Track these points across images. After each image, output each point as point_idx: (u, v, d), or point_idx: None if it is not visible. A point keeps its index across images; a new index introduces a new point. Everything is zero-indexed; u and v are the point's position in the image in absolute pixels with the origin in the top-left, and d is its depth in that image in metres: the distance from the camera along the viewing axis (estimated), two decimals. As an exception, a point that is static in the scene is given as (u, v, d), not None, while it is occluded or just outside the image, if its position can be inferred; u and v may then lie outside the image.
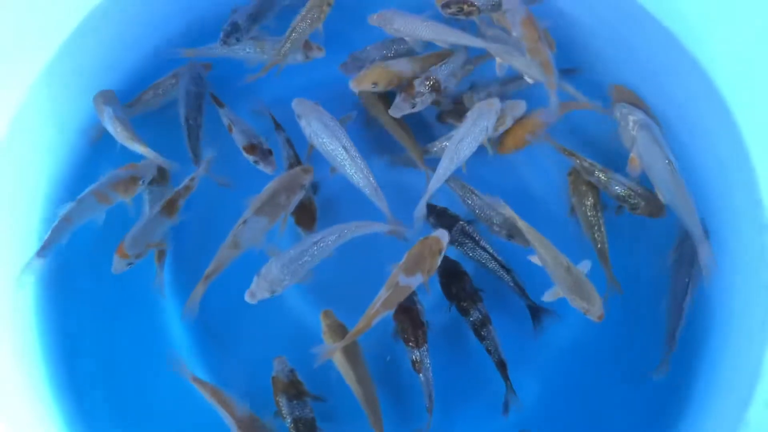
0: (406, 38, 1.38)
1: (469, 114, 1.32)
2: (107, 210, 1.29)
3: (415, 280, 1.18)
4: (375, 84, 1.32)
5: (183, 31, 1.46)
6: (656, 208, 1.30)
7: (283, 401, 1.21)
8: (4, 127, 1.33)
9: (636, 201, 1.30)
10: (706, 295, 1.33)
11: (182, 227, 1.33)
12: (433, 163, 1.35)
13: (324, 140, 1.30)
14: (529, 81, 1.34)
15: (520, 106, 1.35)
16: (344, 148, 1.29)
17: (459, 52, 1.37)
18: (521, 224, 1.24)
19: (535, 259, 1.23)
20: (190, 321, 1.29)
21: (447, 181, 1.32)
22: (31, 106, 1.35)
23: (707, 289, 1.32)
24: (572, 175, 1.37)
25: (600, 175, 1.32)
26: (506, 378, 1.23)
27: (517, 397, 1.24)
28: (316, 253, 1.22)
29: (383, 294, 1.17)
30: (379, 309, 1.16)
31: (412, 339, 1.22)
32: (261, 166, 1.32)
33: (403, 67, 1.34)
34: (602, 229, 1.33)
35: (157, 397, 1.31)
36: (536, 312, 1.27)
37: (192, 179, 1.30)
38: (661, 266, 1.33)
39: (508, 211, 1.26)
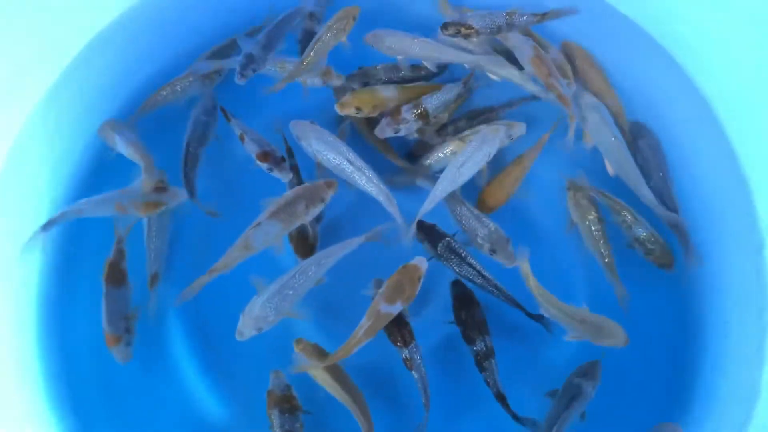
0: (398, 57, 1.39)
1: (473, 138, 1.33)
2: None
3: (396, 308, 1.19)
4: (359, 109, 1.33)
5: (189, 52, 1.47)
6: (668, 260, 1.34)
7: (275, 415, 1.22)
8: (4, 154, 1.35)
9: (653, 247, 1.33)
10: (702, 317, 1.35)
11: (179, 249, 1.36)
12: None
13: (328, 156, 1.31)
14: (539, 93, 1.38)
15: (519, 128, 1.37)
16: (348, 161, 1.30)
17: (453, 86, 1.37)
18: (533, 284, 1.25)
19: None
20: (189, 320, 1.32)
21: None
22: (30, 135, 1.36)
23: (703, 311, 1.34)
24: (571, 190, 1.38)
25: (626, 216, 1.34)
26: (508, 408, 1.23)
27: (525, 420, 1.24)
28: (297, 285, 1.22)
29: (365, 323, 1.18)
30: (361, 338, 1.18)
31: (399, 339, 1.24)
32: (275, 174, 1.31)
33: (390, 94, 1.35)
34: (607, 242, 1.34)
35: (157, 402, 1.32)
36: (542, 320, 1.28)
37: (119, 242, 1.30)
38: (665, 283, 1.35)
39: (526, 268, 1.26)
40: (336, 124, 1.43)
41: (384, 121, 1.34)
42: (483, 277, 1.27)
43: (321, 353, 1.23)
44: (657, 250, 1.34)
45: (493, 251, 1.28)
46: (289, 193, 1.26)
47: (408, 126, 1.34)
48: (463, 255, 1.28)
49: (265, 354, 1.28)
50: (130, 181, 1.33)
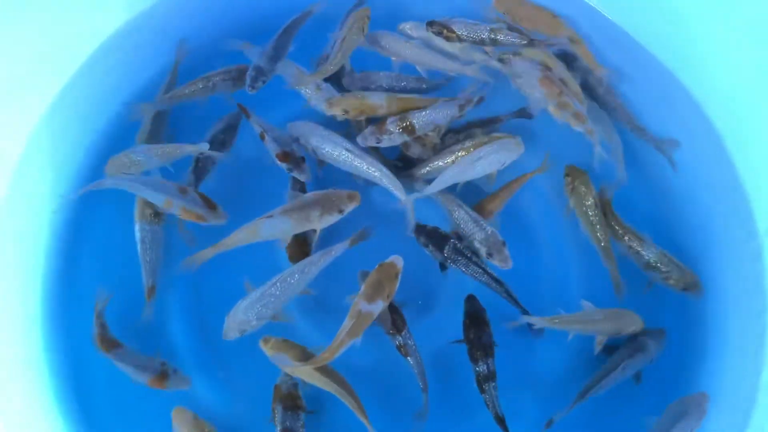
0: (392, 58, 1.42)
1: (495, 142, 1.34)
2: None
3: (377, 306, 1.20)
4: (345, 112, 1.34)
5: (196, 56, 1.48)
6: (691, 281, 1.32)
7: (278, 409, 1.24)
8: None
9: (668, 269, 1.31)
10: (701, 323, 1.34)
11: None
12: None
13: (327, 150, 1.32)
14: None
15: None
16: (347, 149, 1.31)
17: (446, 107, 1.36)
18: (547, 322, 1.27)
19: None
20: (190, 315, 1.35)
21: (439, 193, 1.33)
22: (40, 137, 1.38)
23: (702, 315, 1.34)
24: (570, 176, 1.38)
25: (631, 241, 1.33)
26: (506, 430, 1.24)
27: None
28: (278, 293, 1.23)
29: (347, 324, 1.19)
30: (344, 339, 1.18)
31: (392, 326, 1.25)
32: (295, 174, 1.32)
33: (378, 101, 1.35)
34: (604, 228, 1.34)
35: (162, 399, 1.31)
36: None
37: (98, 316, 1.29)
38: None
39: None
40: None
41: (368, 130, 1.34)
42: (489, 275, 1.28)
43: (292, 347, 1.23)
44: (674, 271, 1.31)
45: (489, 255, 1.29)
46: (309, 195, 1.27)
47: (392, 138, 1.34)
48: (469, 256, 1.29)
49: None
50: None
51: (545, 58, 1.38)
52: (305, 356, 1.21)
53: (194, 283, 1.37)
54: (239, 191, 1.42)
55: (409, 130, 1.34)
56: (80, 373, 1.34)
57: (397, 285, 1.22)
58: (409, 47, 1.40)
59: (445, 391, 1.32)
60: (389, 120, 1.34)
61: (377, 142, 1.34)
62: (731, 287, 1.33)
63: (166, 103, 1.41)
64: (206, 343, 1.36)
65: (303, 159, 1.32)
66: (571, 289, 1.38)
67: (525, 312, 1.27)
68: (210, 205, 1.31)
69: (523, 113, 1.40)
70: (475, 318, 1.28)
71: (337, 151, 1.32)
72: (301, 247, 1.32)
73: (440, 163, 1.37)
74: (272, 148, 1.31)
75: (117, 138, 1.41)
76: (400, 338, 1.25)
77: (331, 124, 1.37)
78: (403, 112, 1.34)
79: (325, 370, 1.20)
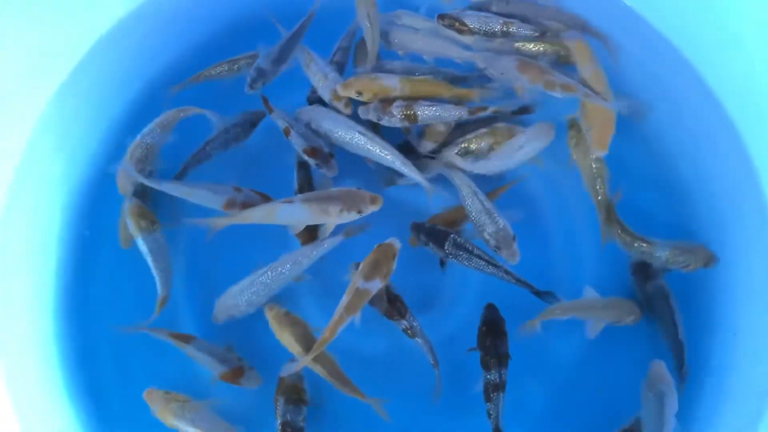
0: (399, 52, 1.43)
1: (529, 130, 1.34)
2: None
3: (374, 285, 1.20)
4: (359, 93, 1.33)
5: (199, 48, 1.49)
6: (706, 257, 1.30)
7: (280, 401, 1.23)
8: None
9: (685, 259, 1.30)
10: (713, 313, 1.33)
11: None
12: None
13: (339, 133, 1.32)
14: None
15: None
16: (360, 132, 1.31)
17: (456, 109, 1.34)
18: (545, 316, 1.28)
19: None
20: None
21: (454, 176, 1.32)
22: (43, 131, 1.39)
23: (714, 308, 1.33)
24: (574, 128, 1.37)
25: (642, 245, 1.32)
26: None
27: None
28: (269, 281, 1.26)
29: (344, 300, 1.20)
30: (343, 315, 1.19)
31: (395, 312, 1.26)
32: (323, 170, 1.32)
33: (392, 84, 1.35)
34: (605, 181, 1.34)
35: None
36: (541, 295, 1.29)
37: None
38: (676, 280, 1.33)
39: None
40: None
41: (372, 106, 1.34)
42: (494, 266, 1.27)
43: (294, 321, 1.24)
44: (691, 259, 1.30)
45: (498, 248, 1.28)
46: (333, 190, 1.27)
47: (391, 120, 1.34)
48: (470, 248, 1.28)
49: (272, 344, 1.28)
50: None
51: (560, 49, 1.39)
52: (306, 334, 1.22)
53: (206, 279, 1.38)
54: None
55: (411, 118, 1.34)
56: (90, 360, 1.34)
57: (394, 266, 1.22)
58: (420, 39, 1.41)
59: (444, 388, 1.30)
60: (395, 105, 1.33)
61: (377, 120, 1.34)
62: (744, 279, 1.31)
63: (190, 84, 1.43)
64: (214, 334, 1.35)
65: (331, 155, 1.32)
66: (581, 279, 1.37)
67: (538, 293, 1.27)
68: (267, 199, 1.32)
69: (523, 110, 1.38)
70: (493, 326, 1.27)
71: (349, 135, 1.32)
72: (312, 235, 1.32)
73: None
74: (299, 144, 1.31)
75: (128, 124, 1.42)
76: (405, 322, 1.26)
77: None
78: (416, 96, 1.34)
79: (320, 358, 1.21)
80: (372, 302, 1.24)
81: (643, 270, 1.33)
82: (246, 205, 1.29)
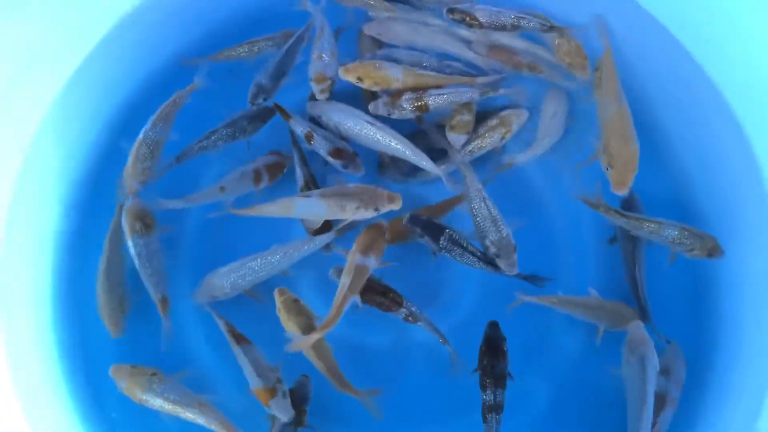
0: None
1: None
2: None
3: (370, 261, 1.22)
4: (360, 79, 1.33)
5: (206, 40, 1.48)
6: (712, 246, 1.30)
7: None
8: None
9: (691, 242, 1.30)
10: (716, 308, 1.34)
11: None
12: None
13: (349, 125, 1.31)
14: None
15: (523, 115, 1.39)
16: (369, 122, 1.31)
17: (465, 91, 1.35)
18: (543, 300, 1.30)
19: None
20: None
21: (467, 178, 1.31)
22: (50, 123, 1.37)
23: (717, 303, 1.34)
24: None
25: (649, 225, 1.30)
26: None
27: None
28: (258, 268, 1.27)
29: (345, 280, 1.21)
30: (346, 295, 1.20)
31: (393, 304, 1.27)
32: (349, 170, 1.32)
33: (395, 74, 1.34)
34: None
35: None
36: (529, 280, 1.29)
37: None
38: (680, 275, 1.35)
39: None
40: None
41: (381, 100, 1.34)
42: (486, 263, 1.28)
43: (301, 311, 1.23)
44: (697, 242, 1.29)
45: (498, 256, 1.27)
46: (351, 186, 1.26)
47: (402, 113, 1.34)
48: (465, 245, 1.28)
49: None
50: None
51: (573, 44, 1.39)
52: (310, 326, 1.22)
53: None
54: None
55: (422, 109, 1.34)
56: (89, 355, 1.35)
57: (385, 244, 1.25)
58: (422, 32, 1.41)
59: (440, 387, 1.33)
60: (404, 97, 1.33)
61: (388, 114, 1.34)
62: (748, 275, 1.32)
63: (209, 61, 1.42)
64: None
65: (356, 154, 1.32)
66: (583, 280, 1.38)
67: (526, 278, 1.28)
68: (281, 159, 1.37)
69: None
70: (493, 345, 1.25)
71: (359, 126, 1.31)
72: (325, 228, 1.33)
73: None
74: (323, 146, 1.31)
75: (132, 117, 1.42)
76: (404, 310, 1.27)
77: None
78: (416, 88, 1.34)
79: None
80: (369, 301, 1.26)
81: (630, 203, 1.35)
82: (267, 166, 1.35)
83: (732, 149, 1.35)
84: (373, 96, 1.38)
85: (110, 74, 1.41)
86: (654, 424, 1.18)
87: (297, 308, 1.23)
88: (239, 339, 1.25)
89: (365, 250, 1.22)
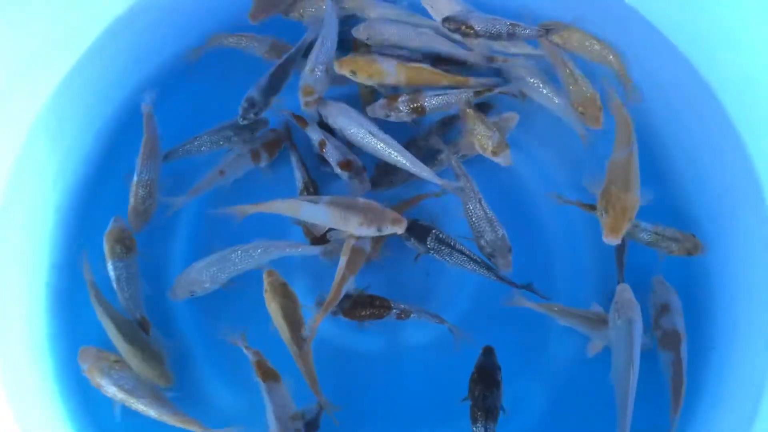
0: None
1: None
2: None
3: (366, 243, 1.26)
4: (353, 72, 1.34)
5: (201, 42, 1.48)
6: (692, 245, 1.31)
7: None
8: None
9: (667, 245, 1.31)
10: (711, 309, 1.34)
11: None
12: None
13: (352, 130, 1.32)
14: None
15: (513, 119, 1.38)
16: (371, 133, 1.30)
17: (461, 93, 1.35)
18: (543, 308, 1.29)
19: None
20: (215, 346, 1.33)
21: (462, 178, 1.30)
22: (43, 125, 1.37)
23: (712, 304, 1.34)
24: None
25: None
26: None
27: None
28: (237, 261, 1.28)
29: (342, 262, 1.23)
30: (345, 274, 1.22)
31: (382, 311, 1.28)
32: (356, 182, 1.33)
33: (389, 68, 1.34)
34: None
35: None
36: (529, 290, 1.29)
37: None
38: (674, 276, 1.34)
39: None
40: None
41: (379, 103, 1.35)
42: (474, 261, 1.28)
43: (286, 294, 1.23)
44: (672, 245, 1.30)
45: (493, 256, 1.27)
46: (360, 201, 1.26)
47: (399, 115, 1.35)
48: (452, 244, 1.28)
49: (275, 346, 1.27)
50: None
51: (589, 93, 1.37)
52: (294, 310, 1.22)
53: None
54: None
55: (419, 111, 1.34)
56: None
57: None
58: (416, 34, 1.40)
59: (434, 392, 1.32)
60: (401, 99, 1.34)
61: (386, 117, 1.35)
62: (743, 275, 1.32)
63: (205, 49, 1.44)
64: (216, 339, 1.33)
65: (364, 168, 1.33)
66: (582, 288, 1.39)
67: (517, 287, 1.27)
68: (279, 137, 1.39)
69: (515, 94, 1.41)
70: (485, 374, 1.20)
71: (362, 133, 1.31)
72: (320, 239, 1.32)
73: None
74: (334, 156, 1.32)
75: (125, 121, 1.42)
76: (395, 309, 1.28)
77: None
78: (412, 83, 1.35)
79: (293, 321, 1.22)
80: (361, 317, 1.28)
81: None
82: (265, 144, 1.38)
83: (727, 153, 1.36)
84: (373, 99, 1.39)
85: (103, 77, 1.41)
86: (681, 361, 1.22)
87: (283, 291, 1.23)
88: (269, 374, 1.22)
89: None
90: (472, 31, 1.37)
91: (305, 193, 1.36)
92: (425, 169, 1.30)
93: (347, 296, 1.26)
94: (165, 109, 1.40)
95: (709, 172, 1.40)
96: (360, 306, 1.28)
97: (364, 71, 1.33)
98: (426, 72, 1.36)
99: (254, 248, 1.28)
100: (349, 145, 1.36)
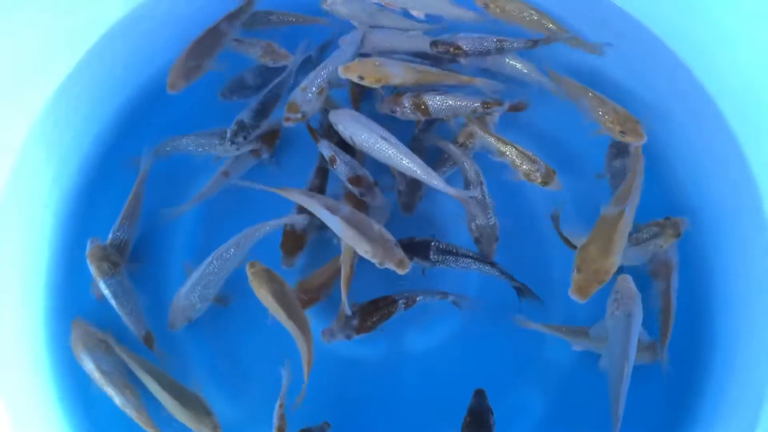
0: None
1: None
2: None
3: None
4: (361, 77, 1.33)
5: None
6: (676, 231, 1.29)
7: None
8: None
9: (654, 244, 1.29)
10: (712, 318, 1.34)
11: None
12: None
13: (364, 137, 1.30)
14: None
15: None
16: (383, 138, 1.29)
17: (470, 100, 1.35)
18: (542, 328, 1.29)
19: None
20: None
21: (464, 160, 1.32)
22: (42, 128, 1.39)
23: (713, 312, 1.34)
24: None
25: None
26: None
27: None
28: (217, 270, 1.27)
29: (343, 252, 1.25)
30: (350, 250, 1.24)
31: (385, 313, 1.28)
32: (367, 198, 1.32)
33: (396, 71, 1.35)
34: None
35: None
36: (523, 293, 1.29)
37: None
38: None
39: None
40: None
41: (385, 99, 1.37)
42: (480, 261, 1.28)
43: (272, 278, 1.21)
44: (660, 240, 1.28)
45: (478, 241, 1.29)
46: (376, 228, 1.23)
47: (404, 113, 1.35)
48: (455, 251, 1.29)
49: (274, 353, 1.28)
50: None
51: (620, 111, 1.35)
52: (283, 291, 1.20)
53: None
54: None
55: (423, 111, 1.35)
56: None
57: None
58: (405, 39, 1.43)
59: (433, 401, 1.32)
60: (406, 98, 1.35)
61: (392, 113, 1.36)
62: (742, 282, 1.33)
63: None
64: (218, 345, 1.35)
65: (376, 183, 1.32)
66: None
67: (523, 289, 1.28)
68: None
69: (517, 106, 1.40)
70: (477, 417, 1.17)
71: (373, 139, 1.29)
72: (297, 242, 1.34)
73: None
74: (344, 172, 1.32)
75: (123, 126, 1.44)
76: (400, 300, 1.28)
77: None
78: (418, 85, 1.36)
79: (285, 302, 1.20)
80: (373, 326, 1.27)
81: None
82: (262, 138, 1.38)
83: (726, 160, 1.37)
84: (360, 96, 1.41)
85: (101, 83, 1.42)
86: (670, 290, 1.27)
87: (268, 276, 1.21)
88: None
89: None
90: (461, 52, 1.38)
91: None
92: (436, 178, 1.28)
93: (352, 316, 1.26)
94: (160, 119, 1.42)
95: (708, 178, 1.40)
96: (367, 315, 1.26)
97: (371, 76, 1.33)
98: (434, 75, 1.37)
99: (226, 251, 1.27)
100: (360, 157, 1.36)
